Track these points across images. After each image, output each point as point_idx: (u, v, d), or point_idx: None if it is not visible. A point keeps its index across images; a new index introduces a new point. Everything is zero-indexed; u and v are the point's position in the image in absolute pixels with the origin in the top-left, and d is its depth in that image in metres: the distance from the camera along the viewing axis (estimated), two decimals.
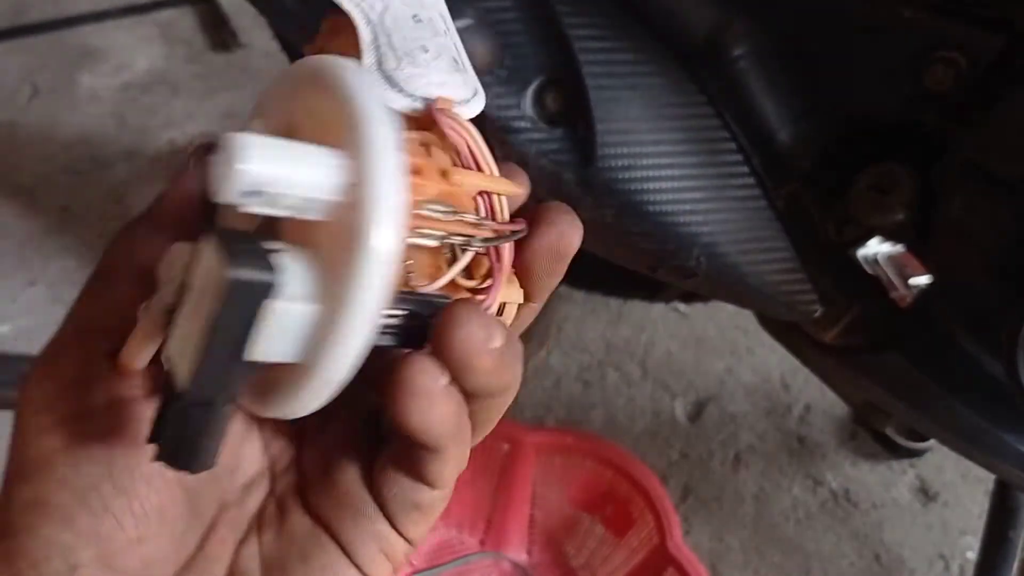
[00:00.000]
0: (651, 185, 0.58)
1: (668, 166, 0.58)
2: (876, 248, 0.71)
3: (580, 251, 1.04)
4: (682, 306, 1.28)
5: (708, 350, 1.24)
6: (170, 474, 0.30)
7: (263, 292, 0.26)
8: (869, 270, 0.68)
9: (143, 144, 1.54)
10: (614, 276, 1.22)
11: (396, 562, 0.33)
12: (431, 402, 0.28)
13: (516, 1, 0.58)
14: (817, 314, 0.64)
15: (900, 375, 0.63)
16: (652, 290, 1.19)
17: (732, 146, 0.59)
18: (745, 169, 0.60)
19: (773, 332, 0.78)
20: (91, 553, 0.29)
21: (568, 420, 1.15)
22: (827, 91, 0.62)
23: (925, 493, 1.09)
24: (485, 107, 0.60)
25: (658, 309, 1.28)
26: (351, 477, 0.32)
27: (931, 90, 0.57)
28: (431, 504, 0.32)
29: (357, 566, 0.32)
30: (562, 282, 1.12)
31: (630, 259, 0.64)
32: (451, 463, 0.30)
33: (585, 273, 1.24)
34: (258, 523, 0.33)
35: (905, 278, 0.67)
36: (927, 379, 0.62)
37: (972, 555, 1.03)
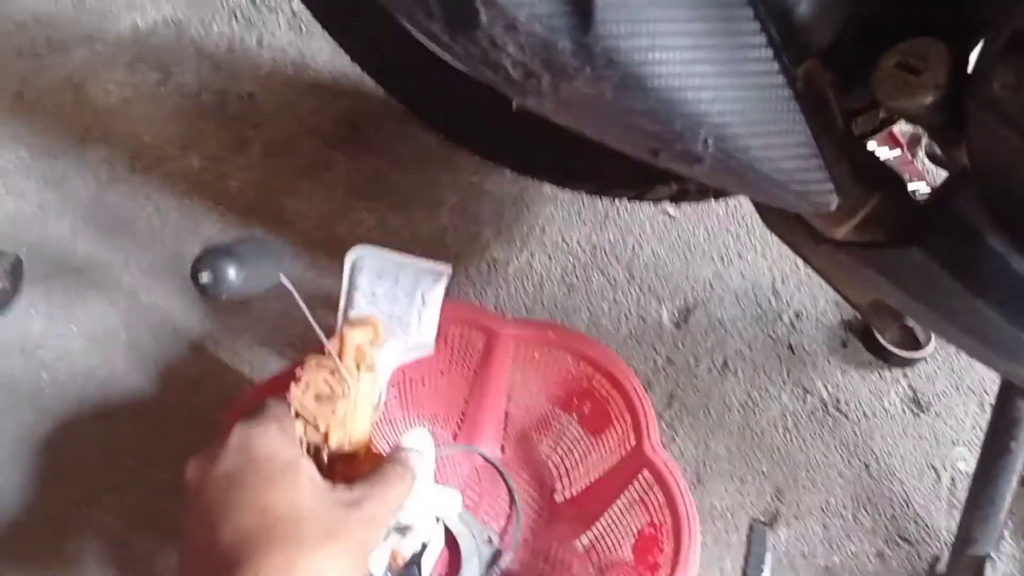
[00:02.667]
0: (657, 56, 0.51)
1: (677, 34, 0.51)
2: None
3: (569, 145, 0.97)
4: (671, 208, 1.23)
5: (696, 254, 1.19)
6: None
7: None
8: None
9: (103, 28, 1.44)
10: (601, 174, 1.15)
11: None
12: None
13: None
14: (834, 205, 0.58)
15: (920, 273, 0.58)
16: (641, 190, 1.13)
17: (749, 13, 0.53)
18: (763, 40, 0.53)
19: (775, 228, 0.73)
20: None
21: None
22: None
23: (917, 403, 1.06)
24: None
25: (646, 211, 1.23)
26: None
27: None
28: None
29: None
30: (547, 181, 1.05)
31: (629, 142, 0.58)
32: None
33: (571, 171, 1.18)
34: None
35: None
36: (949, 277, 0.57)
37: (964, 466, 1.01)
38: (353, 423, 0.65)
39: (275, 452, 0.56)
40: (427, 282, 0.74)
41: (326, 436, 0.62)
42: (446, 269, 0.75)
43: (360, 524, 0.56)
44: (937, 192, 0.62)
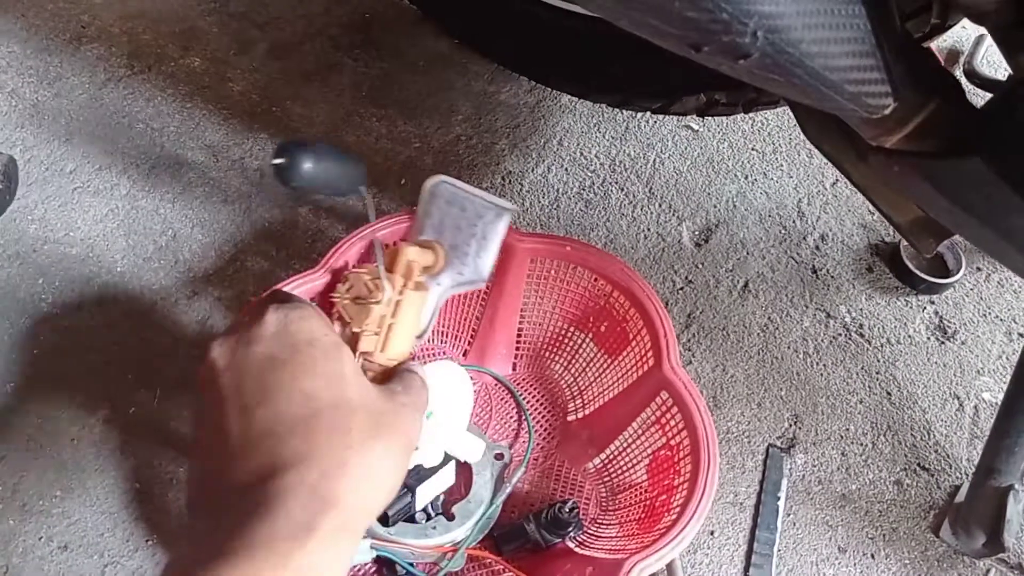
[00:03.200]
0: None
1: None
2: None
3: (591, 53, 0.91)
4: (695, 123, 1.17)
5: (720, 172, 1.14)
6: None
7: None
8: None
9: None
10: (625, 84, 1.10)
11: None
12: None
13: None
14: (889, 110, 0.53)
15: (978, 185, 0.54)
16: (666, 102, 1.08)
17: None
18: None
19: (816, 139, 0.68)
20: None
21: None
22: None
23: (942, 331, 1.03)
24: None
25: (668, 126, 1.18)
26: None
27: None
28: None
29: None
30: (567, 92, 1.01)
31: (670, 34, 0.53)
32: None
33: (593, 82, 1.13)
34: None
35: None
36: (1010, 191, 0.52)
37: (988, 396, 0.98)
38: (391, 336, 0.65)
39: (317, 337, 0.53)
40: (489, 216, 0.74)
41: (357, 338, 0.63)
42: (511, 207, 0.74)
43: (403, 420, 0.54)
44: (998, 100, 0.57)
